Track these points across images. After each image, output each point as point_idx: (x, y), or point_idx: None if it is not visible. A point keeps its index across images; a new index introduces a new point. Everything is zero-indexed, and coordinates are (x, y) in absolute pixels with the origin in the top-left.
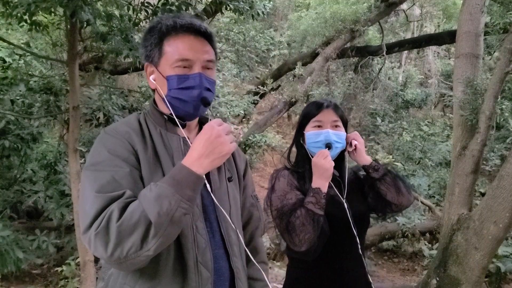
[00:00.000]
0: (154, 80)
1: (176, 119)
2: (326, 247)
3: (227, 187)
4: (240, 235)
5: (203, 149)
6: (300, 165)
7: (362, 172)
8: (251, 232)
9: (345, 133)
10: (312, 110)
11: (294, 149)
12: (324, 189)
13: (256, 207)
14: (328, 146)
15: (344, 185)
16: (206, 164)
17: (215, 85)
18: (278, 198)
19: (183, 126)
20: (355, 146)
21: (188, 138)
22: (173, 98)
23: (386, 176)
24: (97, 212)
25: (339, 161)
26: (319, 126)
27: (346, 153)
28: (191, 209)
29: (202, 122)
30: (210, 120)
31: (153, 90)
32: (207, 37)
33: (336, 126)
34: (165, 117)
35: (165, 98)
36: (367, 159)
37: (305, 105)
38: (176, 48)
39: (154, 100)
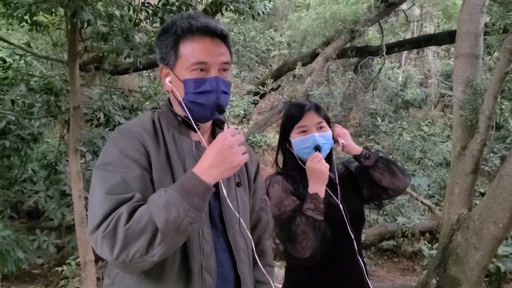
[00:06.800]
0: (170, 83)
1: (192, 123)
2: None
3: (236, 192)
4: (249, 241)
5: (214, 158)
6: (290, 169)
7: (353, 165)
8: (258, 235)
9: (330, 132)
10: (295, 114)
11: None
12: (322, 194)
13: (265, 211)
14: (317, 148)
15: (336, 186)
16: (216, 174)
17: (231, 86)
18: (275, 205)
19: (198, 129)
20: (343, 144)
21: (199, 142)
22: (190, 102)
23: (378, 162)
24: (105, 214)
25: (328, 158)
26: (304, 131)
27: (333, 151)
28: (198, 219)
29: (216, 124)
30: (227, 124)
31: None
32: (223, 38)
33: (321, 127)
34: (179, 119)
35: (182, 101)
36: (357, 149)
37: None
38: (192, 51)
39: (169, 101)
